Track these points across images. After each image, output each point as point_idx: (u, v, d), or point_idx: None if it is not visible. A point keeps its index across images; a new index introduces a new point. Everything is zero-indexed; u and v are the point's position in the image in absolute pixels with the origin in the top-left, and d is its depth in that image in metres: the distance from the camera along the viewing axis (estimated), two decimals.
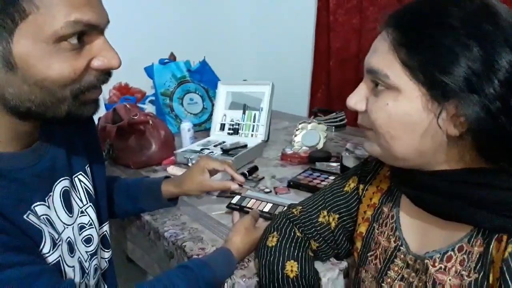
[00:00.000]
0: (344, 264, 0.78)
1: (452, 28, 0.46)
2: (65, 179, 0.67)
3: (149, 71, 1.74)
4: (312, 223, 0.74)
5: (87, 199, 0.73)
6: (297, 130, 1.48)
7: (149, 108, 1.79)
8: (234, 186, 0.97)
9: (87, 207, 0.73)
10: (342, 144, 1.49)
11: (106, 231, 0.80)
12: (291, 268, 0.69)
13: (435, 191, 0.53)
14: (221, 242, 0.84)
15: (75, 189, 0.71)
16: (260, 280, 0.72)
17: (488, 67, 0.44)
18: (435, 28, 0.47)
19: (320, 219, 0.74)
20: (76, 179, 0.72)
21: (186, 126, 1.50)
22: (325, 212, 0.74)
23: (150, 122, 1.35)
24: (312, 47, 2.13)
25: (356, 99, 0.56)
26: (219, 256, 0.77)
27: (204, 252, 0.83)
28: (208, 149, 1.42)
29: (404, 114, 0.49)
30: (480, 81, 0.44)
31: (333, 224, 0.73)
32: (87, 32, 0.52)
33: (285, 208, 0.82)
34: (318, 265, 0.76)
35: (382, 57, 0.51)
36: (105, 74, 0.57)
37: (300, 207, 0.77)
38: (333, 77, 2.05)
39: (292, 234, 0.74)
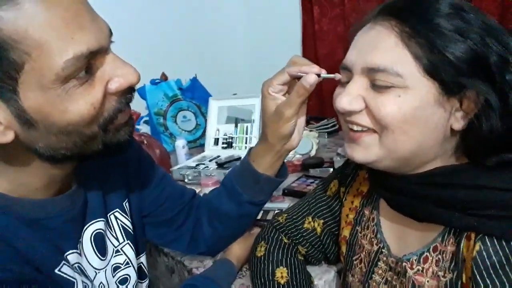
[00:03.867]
0: (340, 265, 0.79)
1: (460, 18, 0.45)
2: (98, 221, 0.63)
3: (141, 92, 1.78)
4: (298, 229, 0.74)
5: (124, 237, 0.68)
6: None
7: (144, 128, 1.82)
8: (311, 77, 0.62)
9: (124, 245, 0.68)
10: (334, 150, 1.51)
11: (142, 262, 0.74)
12: (281, 274, 0.69)
13: (406, 193, 0.53)
14: (220, 254, 0.85)
15: (110, 228, 0.66)
16: None
17: (501, 56, 0.43)
18: (444, 18, 0.45)
19: (306, 225, 0.73)
20: (112, 217, 0.66)
21: (180, 143, 1.52)
22: (310, 218, 0.74)
23: (145, 142, 1.37)
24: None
25: (349, 98, 0.50)
26: (222, 269, 0.77)
27: (203, 265, 0.85)
28: (204, 164, 1.44)
29: (416, 108, 0.46)
30: (501, 69, 0.43)
31: (318, 230, 0.73)
32: (92, 59, 0.46)
33: (272, 216, 0.82)
34: (314, 268, 0.78)
35: (389, 53, 0.46)
36: (127, 93, 0.51)
37: (286, 215, 0.77)
38: (324, 85, 2.09)
39: (279, 241, 0.74)
